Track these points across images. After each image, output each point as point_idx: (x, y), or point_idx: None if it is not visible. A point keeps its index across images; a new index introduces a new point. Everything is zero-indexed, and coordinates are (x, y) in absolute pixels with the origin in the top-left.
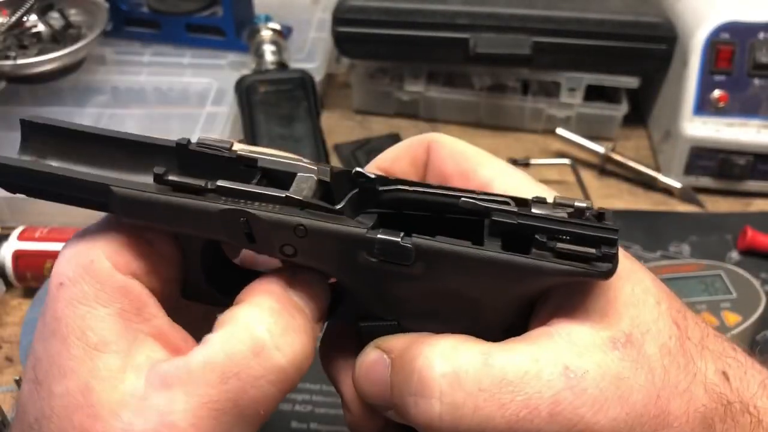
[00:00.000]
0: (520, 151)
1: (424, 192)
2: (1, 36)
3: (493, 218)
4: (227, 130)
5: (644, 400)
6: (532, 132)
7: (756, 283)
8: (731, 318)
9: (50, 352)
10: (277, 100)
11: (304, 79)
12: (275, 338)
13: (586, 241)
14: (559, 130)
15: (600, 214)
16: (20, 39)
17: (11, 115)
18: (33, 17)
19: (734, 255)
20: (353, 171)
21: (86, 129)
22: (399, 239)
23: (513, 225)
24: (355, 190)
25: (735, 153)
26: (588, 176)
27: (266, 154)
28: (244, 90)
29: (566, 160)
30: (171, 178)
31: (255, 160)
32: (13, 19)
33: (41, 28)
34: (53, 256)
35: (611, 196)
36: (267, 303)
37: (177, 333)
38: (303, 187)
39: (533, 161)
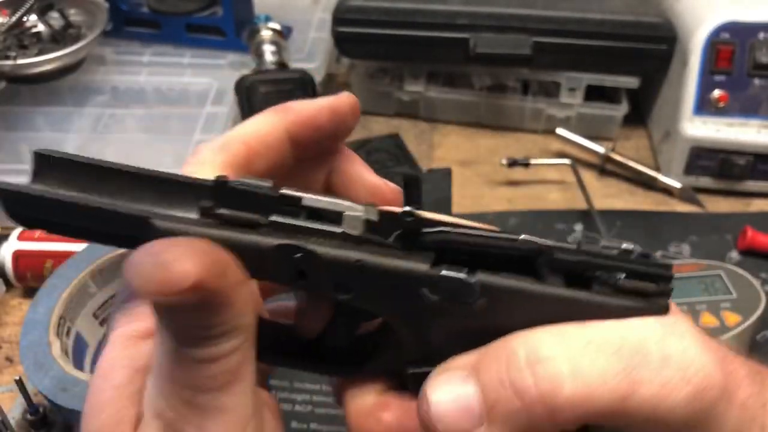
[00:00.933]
0: (520, 151)
1: (470, 234)
2: (1, 36)
3: (555, 256)
4: (227, 130)
5: None
6: (532, 132)
7: (756, 283)
8: (731, 318)
9: None
10: (277, 100)
11: (304, 79)
12: None
13: (644, 277)
14: (559, 130)
15: (646, 255)
16: (20, 39)
17: (11, 115)
18: (33, 17)
19: (734, 255)
20: (401, 211)
21: (108, 164)
22: (464, 276)
23: (574, 263)
24: (399, 231)
25: (735, 153)
26: (588, 176)
27: (309, 195)
28: (244, 90)
29: (566, 160)
30: (220, 211)
31: (299, 198)
32: (14, 19)
33: (41, 28)
34: (53, 255)
35: (611, 196)
36: None
37: None
38: (355, 224)
39: (533, 161)
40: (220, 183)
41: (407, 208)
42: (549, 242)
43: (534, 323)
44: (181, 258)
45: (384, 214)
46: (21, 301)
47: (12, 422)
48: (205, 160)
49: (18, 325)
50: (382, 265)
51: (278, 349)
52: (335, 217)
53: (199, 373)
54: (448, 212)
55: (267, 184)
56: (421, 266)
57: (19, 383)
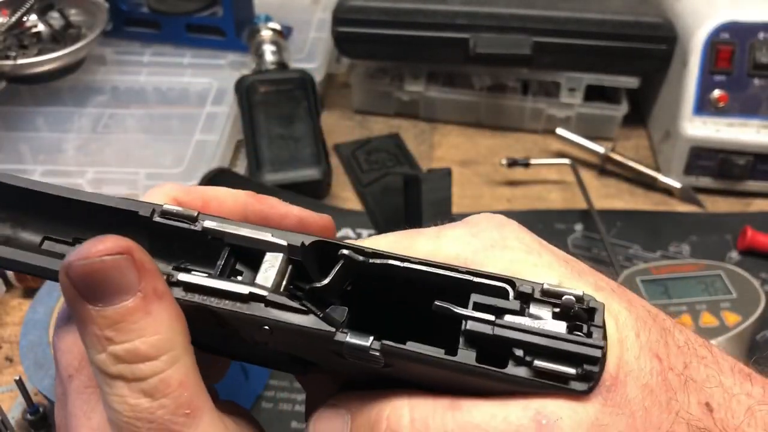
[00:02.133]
0: (520, 151)
1: (412, 269)
2: (1, 36)
3: (467, 328)
4: (227, 130)
5: None
6: (532, 132)
7: (756, 283)
8: (731, 318)
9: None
10: (277, 100)
11: (304, 79)
12: None
13: (565, 358)
14: (559, 130)
15: (590, 310)
16: (20, 39)
17: (11, 115)
18: (33, 17)
19: (734, 255)
20: (339, 253)
21: (43, 188)
22: (368, 344)
23: (488, 336)
24: (341, 263)
25: (735, 153)
26: (588, 176)
27: (233, 226)
28: (244, 90)
29: (566, 160)
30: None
31: (221, 235)
32: (14, 19)
33: (41, 28)
34: None
35: (611, 196)
36: None
37: None
38: (269, 274)
39: (533, 161)
40: (146, 218)
41: (344, 252)
42: (463, 311)
43: (454, 379)
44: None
45: (318, 245)
46: (21, 302)
47: (12, 422)
48: (163, 193)
49: (18, 325)
50: (287, 327)
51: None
52: (259, 254)
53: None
54: (449, 212)
55: (191, 215)
56: (327, 330)
57: (19, 383)
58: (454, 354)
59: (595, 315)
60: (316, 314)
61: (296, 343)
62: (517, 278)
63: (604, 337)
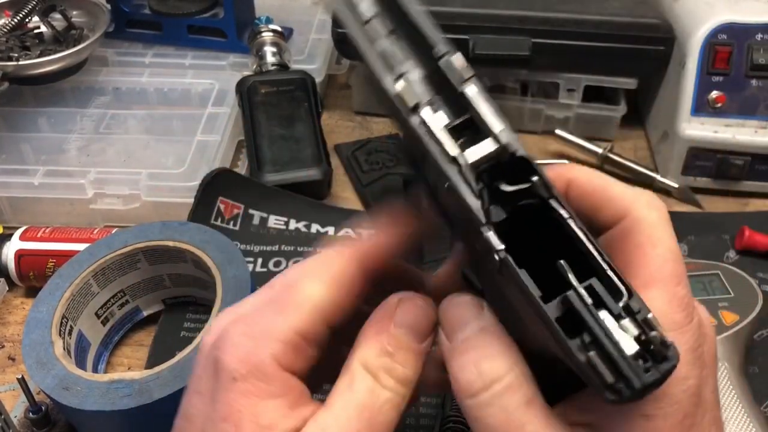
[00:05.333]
0: None
1: (575, 233)
2: (3, 37)
3: (566, 295)
4: (228, 130)
5: None
6: (531, 133)
7: (753, 282)
8: (729, 317)
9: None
10: (278, 101)
11: (304, 80)
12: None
13: (615, 371)
14: (558, 131)
15: (664, 357)
16: (23, 40)
17: (14, 115)
18: (35, 18)
19: (732, 255)
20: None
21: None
22: (494, 246)
23: (575, 312)
24: (530, 183)
25: (732, 153)
26: None
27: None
28: (245, 91)
29: (565, 161)
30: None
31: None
32: (16, 20)
33: (44, 29)
34: (55, 255)
35: None
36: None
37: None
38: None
39: None
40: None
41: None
42: (575, 283)
43: (527, 318)
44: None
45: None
46: (23, 301)
47: (14, 421)
48: (340, 252)
49: (21, 324)
50: (459, 194)
51: None
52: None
53: None
54: None
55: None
56: (479, 217)
57: (22, 382)
58: (546, 303)
59: (668, 351)
60: (483, 202)
61: (456, 214)
62: (636, 293)
63: (655, 386)
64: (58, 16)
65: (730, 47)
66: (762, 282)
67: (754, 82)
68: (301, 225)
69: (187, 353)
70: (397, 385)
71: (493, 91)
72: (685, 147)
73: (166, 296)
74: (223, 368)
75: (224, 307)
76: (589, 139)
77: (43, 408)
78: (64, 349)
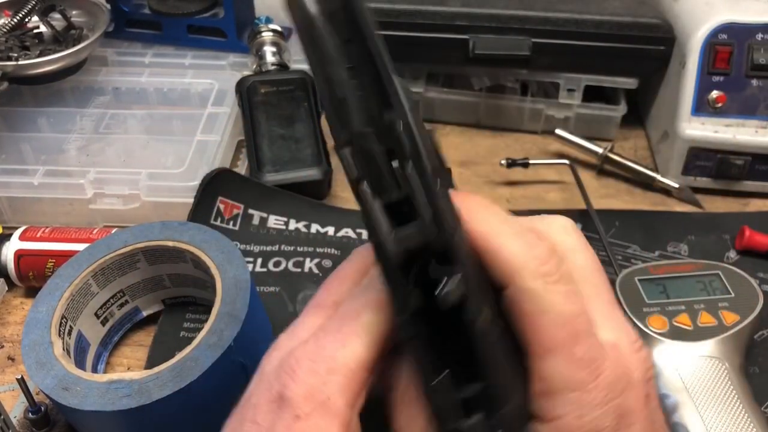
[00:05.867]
0: (519, 151)
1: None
2: (3, 37)
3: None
4: (228, 130)
5: None
6: (531, 133)
7: (754, 282)
8: (729, 317)
9: None
10: (277, 101)
11: (304, 80)
12: None
13: None
14: (558, 131)
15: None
16: (22, 40)
17: (13, 115)
18: (35, 18)
19: (732, 255)
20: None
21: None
22: (402, 336)
23: None
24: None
25: (733, 153)
26: (587, 176)
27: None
28: (245, 91)
29: (565, 161)
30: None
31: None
32: (16, 20)
33: (43, 29)
34: (55, 255)
35: (610, 196)
36: None
37: None
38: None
39: (532, 161)
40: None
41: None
42: None
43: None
44: None
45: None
46: (23, 301)
47: (14, 421)
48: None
49: (20, 325)
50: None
51: None
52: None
53: None
54: None
55: None
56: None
57: (21, 382)
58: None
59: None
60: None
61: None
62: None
63: None
64: (57, 15)
65: (731, 47)
66: (762, 282)
67: (754, 82)
68: (301, 225)
69: (186, 353)
70: None
71: (493, 91)
72: (686, 147)
73: (165, 296)
74: (288, 405)
75: (224, 308)
76: (589, 139)
77: (42, 408)
78: (63, 349)
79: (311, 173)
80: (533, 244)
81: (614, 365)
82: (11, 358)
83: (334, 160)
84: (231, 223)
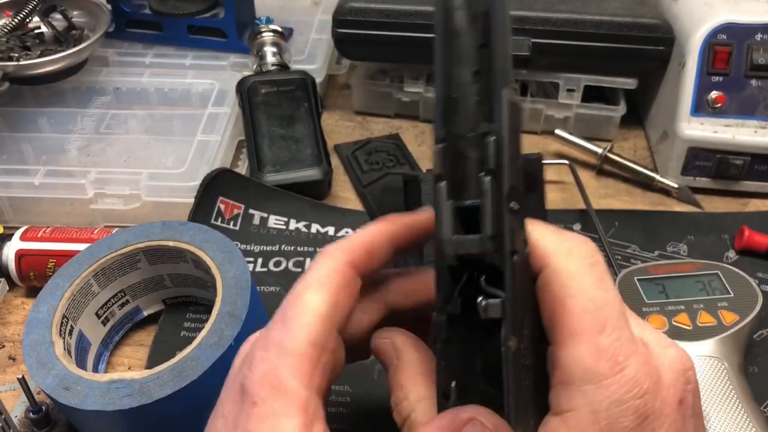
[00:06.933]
0: None
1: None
2: (4, 37)
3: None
4: (228, 130)
5: None
6: (531, 133)
7: (753, 282)
8: (729, 317)
9: None
10: (278, 101)
11: (305, 81)
12: None
13: None
14: (558, 131)
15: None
16: (23, 40)
17: (14, 115)
18: (36, 19)
19: (731, 255)
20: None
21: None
22: (437, 335)
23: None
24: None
25: (732, 153)
26: (586, 176)
27: None
28: (246, 91)
29: (564, 161)
30: None
31: None
32: (17, 20)
33: (44, 29)
34: (56, 255)
35: (609, 197)
36: None
37: None
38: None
39: None
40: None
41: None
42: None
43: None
44: None
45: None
46: (24, 301)
47: (15, 420)
48: (332, 256)
49: (21, 324)
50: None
51: None
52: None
53: None
54: None
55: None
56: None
57: (22, 382)
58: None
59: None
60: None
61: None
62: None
63: None
64: (58, 16)
65: (730, 47)
66: (762, 282)
67: (753, 82)
68: (301, 225)
69: (187, 353)
70: None
71: None
72: (685, 147)
73: (166, 296)
74: (247, 393)
75: (224, 307)
76: (589, 139)
77: (43, 408)
78: (64, 349)
79: (311, 173)
80: (571, 235)
81: (640, 362)
82: (12, 358)
83: (335, 160)
84: (231, 223)
